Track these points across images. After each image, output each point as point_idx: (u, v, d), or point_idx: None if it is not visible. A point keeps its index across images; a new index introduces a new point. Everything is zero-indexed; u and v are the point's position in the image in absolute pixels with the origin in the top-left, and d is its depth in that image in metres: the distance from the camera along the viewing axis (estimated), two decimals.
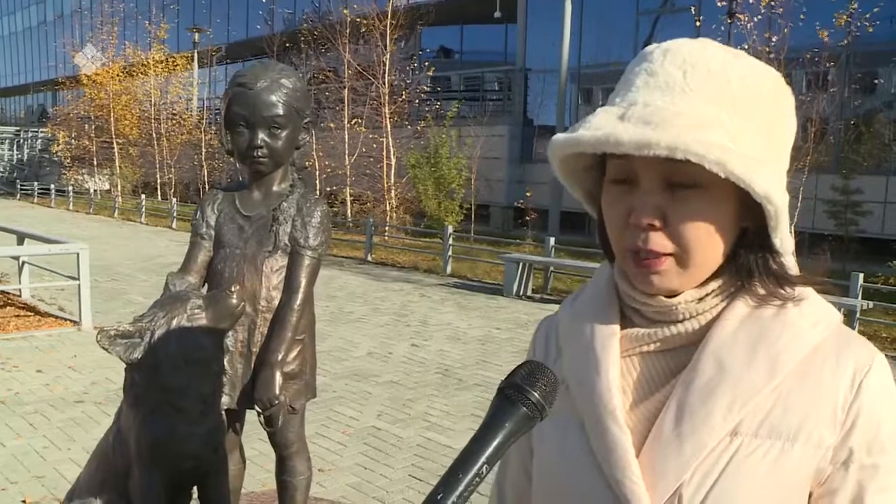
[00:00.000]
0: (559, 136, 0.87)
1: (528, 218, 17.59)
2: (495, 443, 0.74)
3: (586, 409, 0.90)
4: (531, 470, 1.00)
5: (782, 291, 0.87)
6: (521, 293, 11.08)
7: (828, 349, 0.85)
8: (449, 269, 13.17)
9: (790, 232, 0.89)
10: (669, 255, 0.85)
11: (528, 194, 18.51)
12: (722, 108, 0.82)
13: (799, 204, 11.84)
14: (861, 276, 8.70)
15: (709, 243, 0.85)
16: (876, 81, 17.38)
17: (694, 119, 0.81)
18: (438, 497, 0.71)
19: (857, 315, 8.33)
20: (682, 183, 0.82)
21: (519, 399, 0.76)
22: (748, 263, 0.87)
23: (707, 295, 0.89)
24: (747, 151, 0.81)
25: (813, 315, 0.87)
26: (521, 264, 11.17)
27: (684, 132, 0.79)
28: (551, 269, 11.52)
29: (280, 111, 2.39)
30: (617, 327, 0.93)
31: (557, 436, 0.93)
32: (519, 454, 1.03)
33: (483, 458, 0.73)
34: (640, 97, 0.84)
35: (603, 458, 0.87)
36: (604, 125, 0.83)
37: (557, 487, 0.93)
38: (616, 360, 0.90)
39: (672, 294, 0.88)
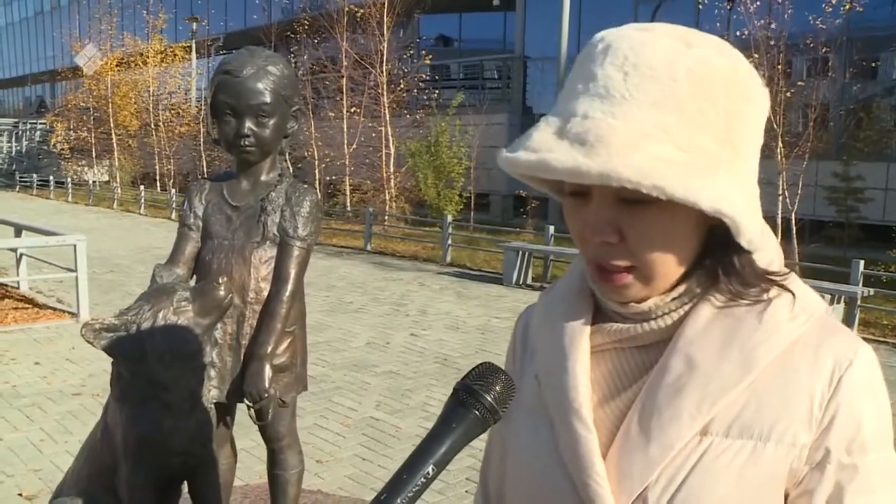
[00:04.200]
0: (503, 155, 0.81)
1: (528, 207, 17.54)
2: (444, 446, 0.73)
3: (554, 406, 0.87)
4: None
5: (750, 291, 0.82)
6: (521, 282, 11.05)
7: (807, 343, 0.81)
8: (448, 258, 13.14)
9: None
10: (630, 267, 0.81)
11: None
12: (667, 111, 0.75)
13: (799, 191, 11.79)
14: (862, 263, 8.66)
15: (669, 254, 0.80)
16: (876, 66, 17.29)
17: (631, 133, 0.74)
18: (382, 498, 0.70)
19: (858, 302, 8.30)
20: (634, 199, 0.76)
21: (470, 402, 0.75)
22: (713, 266, 0.83)
23: (680, 295, 0.84)
24: (699, 155, 0.75)
25: (792, 308, 0.82)
26: (520, 253, 11.14)
27: (617, 155, 0.72)
28: (551, 257, 11.49)
29: (267, 99, 2.34)
30: (588, 321, 0.89)
31: (528, 433, 0.90)
32: (499, 452, 1.00)
33: (431, 461, 0.72)
34: (579, 107, 0.78)
35: (568, 458, 0.84)
36: (540, 145, 0.77)
37: (527, 485, 0.90)
38: (585, 356, 0.87)
39: (642, 299, 0.84)
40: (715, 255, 0.82)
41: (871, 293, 8.53)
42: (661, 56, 0.77)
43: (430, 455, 0.72)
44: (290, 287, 2.39)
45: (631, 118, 0.75)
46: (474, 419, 0.74)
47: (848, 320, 8.26)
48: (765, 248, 0.82)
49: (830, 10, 12.19)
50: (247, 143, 2.37)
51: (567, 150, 0.75)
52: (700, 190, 0.73)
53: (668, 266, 0.81)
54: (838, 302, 8.15)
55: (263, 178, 2.50)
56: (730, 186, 0.76)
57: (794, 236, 11.76)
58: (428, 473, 0.71)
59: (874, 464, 0.79)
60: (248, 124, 2.35)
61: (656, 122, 0.75)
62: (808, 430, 0.78)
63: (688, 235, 0.81)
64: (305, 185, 2.55)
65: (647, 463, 0.79)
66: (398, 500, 0.70)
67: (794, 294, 0.83)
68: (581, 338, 0.88)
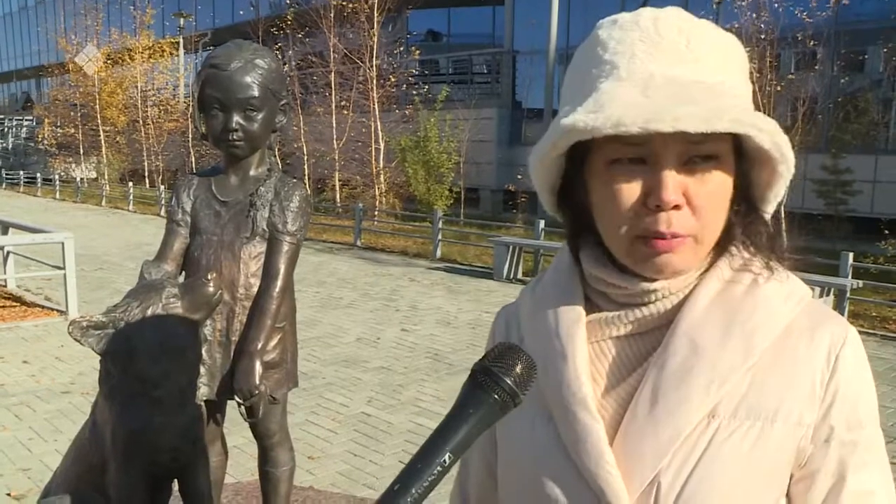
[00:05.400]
0: (580, 118, 0.77)
1: (517, 201, 17.54)
2: (462, 432, 0.69)
3: (554, 399, 0.86)
4: (495, 468, 0.95)
5: (758, 258, 0.85)
6: (512, 276, 11.05)
7: (802, 325, 0.83)
8: (439, 254, 13.12)
9: (781, 211, 0.87)
10: (690, 235, 0.80)
11: (518, 177, 18.45)
12: (733, 75, 0.82)
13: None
14: (851, 255, 8.70)
15: (722, 217, 0.83)
16: (864, 59, 17.36)
17: (728, 91, 0.79)
18: (395, 488, 0.66)
19: (848, 294, 8.33)
20: (702, 157, 0.79)
21: (489, 385, 0.70)
22: (735, 224, 0.85)
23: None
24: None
25: (784, 290, 0.84)
26: (511, 247, 11.14)
27: (713, 102, 0.76)
28: (541, 251, 11.48)
29: (255, 93, 2.32)
30: (582, 312, 0.88)
31: (524, 429, 0.89)
32: (481, 452, 0.98)
33: (447, 448, 0.68)
34: (655, 68, 0.79)
35: (574, 450, 0.83)
36: (635, 101, 0.76)
37: (526, 484, 0.88)
38: (583, 347, 0.86)
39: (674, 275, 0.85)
40: (740, 221, 0.86)
41: (860, 285, 8.57)
42: (704, 27, 0.83)
43: (447, 442, 0.68)
44: (279, 283, 2.37)
45: (718, 78, 0.80)
46: (493, 403, 0.70)
47: (837, 312, 8.29)
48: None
49: (816, 3, 12.23)
50: (235, 137, 2.34)
51: (674, 104, 0.75)
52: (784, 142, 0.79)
53: (718, 230, 0.83)
54: (828, 294, 8.18)
55: (252, 172, 2.47)
56: None
57: (784, 229, 11.79)
58: (444, 461, 0.67)
59: (869, 438, 0.82)
60: (236, 118, 2.32)
61: (734, 83, 0.82)
62: (811, 410, 0.80)
63: (729, 199, 0.83)
64: (294, 180, 2.52)
65: (658, 448, 0.79)
66: (413, 490, 0.66)
67: (785, 276, 0.86)
68: (577, 329, 0.87)
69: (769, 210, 0.86)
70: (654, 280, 0.84)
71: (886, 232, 12.34)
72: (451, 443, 0.68)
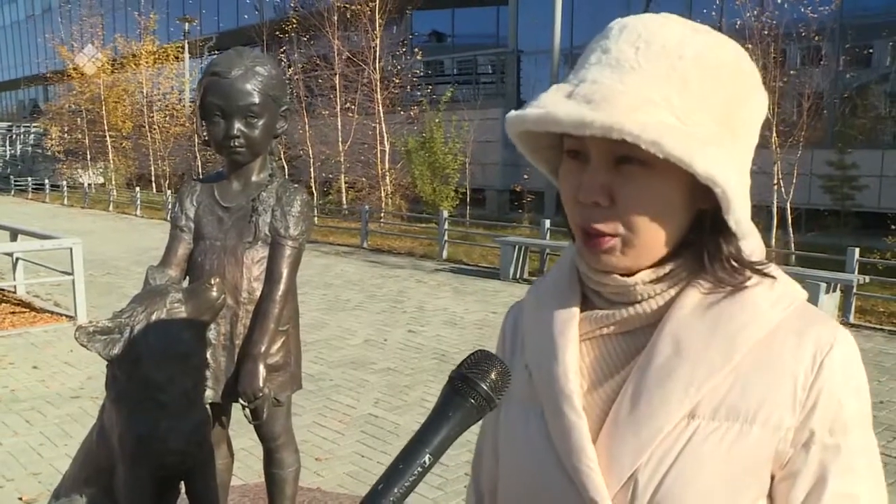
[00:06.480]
0: (511, 113, 0.85)
1: (523, 201, 17.54)
2: (440, 435, 0.73)
3: (544, 394, 0.89)
4: None
5: (734, 277, 0.84)
6: (518, 276, 11.06)
7: (788, 328, 0.83)
8: (445, 254, 13.14)
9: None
10: (616, 234, 0.82)
11: (524, 177, 18.44)
12: (671, 86, 0.79)
13: (794, 180, 11.80)
14: (857, 250, 8.68)
15: (656, 224, 0.82)
16: (869, 54, 17.30)
17: (637, 97, 0.78)
18: (379, 488, 0.70)
19: (854, 290, 8.32)
20: (629, 160, 0.79)
21: (466, 391, 0.75)
22: (700, 247, 0.85)
23: (665, 275, 0.86)
24: (698, 131, 0.78)
25: (774, 294, 0.85)
26: (517, 247, 11.16)
27: (622, 111, 0.76)
28: (547, 251, 11.48)
29: (256, 100, 2.35)
30: (576, 310, 0.91)
31: (520, 423, 0.92)
32: (491, 447, 1.01)
33: (427, 450, 0.72)
34: (589, 74, 0.82)
35: (559, 444, 0.85)
36: (548, 103, 0.81)
37: (520, 473, 0.91)
38: (574, 344, 0.89)
39: (626, 273, 0.86)
40: (702, 238, 0.85)
41: (867, 281, 8.55)
42: (673, 36, 0.81)
43: (427, 444, 0.72)
44: (282, 287, 2.39)
45: (637, 86, 0.79)
46: (470, 407, 0.74)
47: (844, 308, 8.29)
48: (750, 237, 0.85)
49: None
50: (236, 144, 2.37)
51: (573, 105, 0.78)
52: (696, 153, 0.76)
53: (653, 237, 0.83)
54: (834, 290, 8.16)
55: (254, 178, 2.50)
56: (725, 161, 0.79)
57: (790, 225, 11.78)
58: (424, 462, 0.71)
59: (855, 444, 0.81)
60: (238, 125, 2.35)
61: (661, 92, 0.79)
62: (792, 413, 0.81)
63: (676, 209, 0.83)
64: (295, 185, 2.56)
65: (637, 446, 0.81)
66: (395, 490, 0.70)
67: (775, 282, 0.86)
68: (570, 326, 0.90)
69: (732, 223, 0.82)
70: (630, 276, 0.86)
71: (893, 227, 12.30)
72: (431, 445, 0.73)
